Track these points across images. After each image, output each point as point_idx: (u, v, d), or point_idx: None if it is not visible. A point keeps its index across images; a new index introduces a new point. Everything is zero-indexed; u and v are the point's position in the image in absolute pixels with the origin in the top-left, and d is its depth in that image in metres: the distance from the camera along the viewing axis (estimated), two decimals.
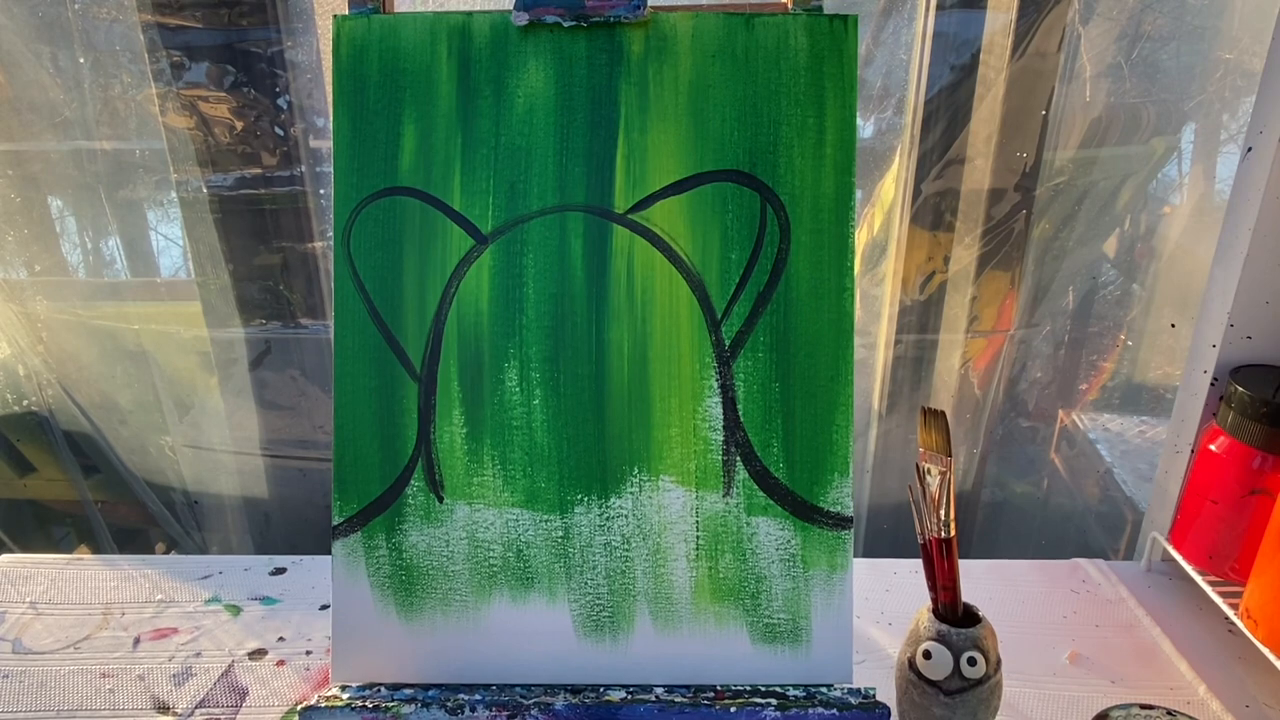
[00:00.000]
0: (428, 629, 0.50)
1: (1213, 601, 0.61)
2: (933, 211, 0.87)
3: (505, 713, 0.48)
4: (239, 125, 0.84)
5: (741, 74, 0.48)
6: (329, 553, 0.51)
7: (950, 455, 0.45)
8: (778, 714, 0.47)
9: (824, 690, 0.49)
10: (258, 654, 0.62)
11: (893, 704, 0.48)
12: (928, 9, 0.80)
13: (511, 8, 0.48)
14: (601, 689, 0.49)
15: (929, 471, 0.46)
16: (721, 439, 0.49)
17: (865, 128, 0.87)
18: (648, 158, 0.49)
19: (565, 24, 0.48)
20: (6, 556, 0.73)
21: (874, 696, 0.48)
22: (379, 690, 0.49)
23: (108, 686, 0.59)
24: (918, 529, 0.47)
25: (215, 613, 0.66)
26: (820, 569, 0.49)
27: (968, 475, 0.98)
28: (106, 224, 0.93)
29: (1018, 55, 0.80)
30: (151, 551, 1.06)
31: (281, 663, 0.61)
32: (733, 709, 0.47)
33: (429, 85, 0.49)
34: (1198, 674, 0.59)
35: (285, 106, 0.84)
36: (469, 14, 0.49)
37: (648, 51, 0.49)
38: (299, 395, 0.96)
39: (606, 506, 0.50)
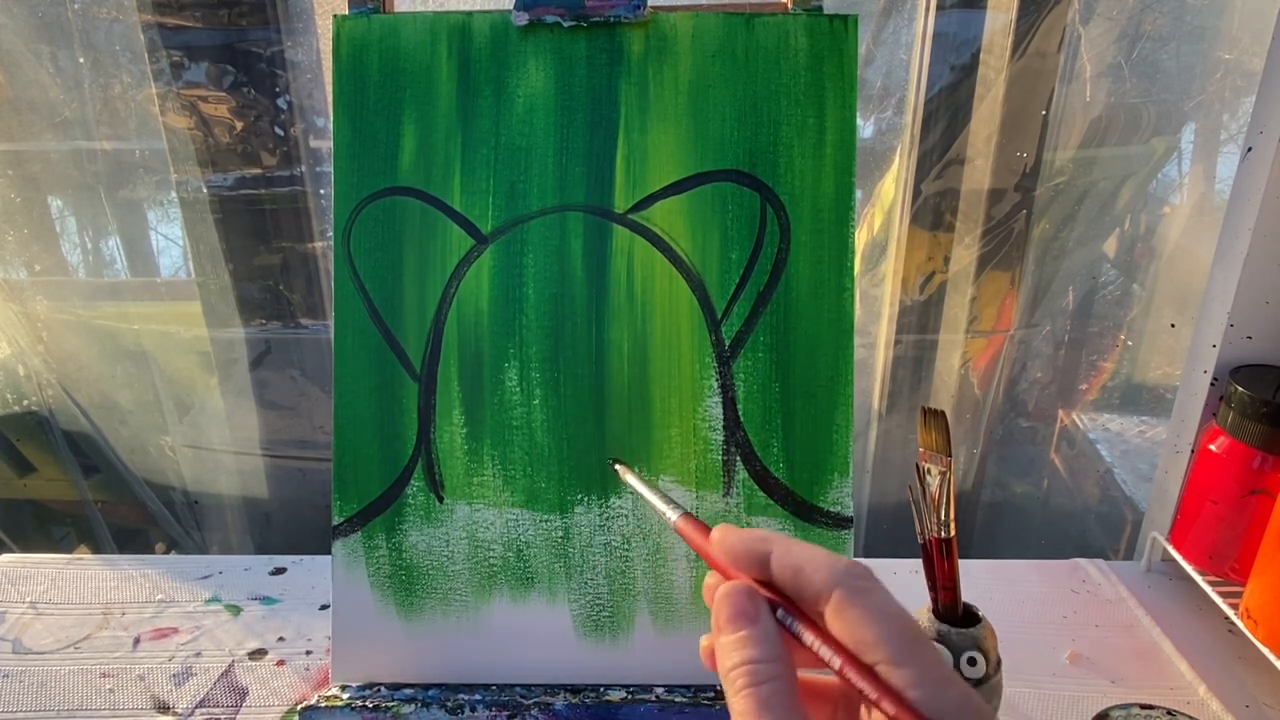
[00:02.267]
0: (428, 629, 0.50)
1: (1213, 601, 0.61)
2: (933, 211, 0.87)
3: (505, 713, 0.48)
4: (239, 125, 0.84)
5: (741, 74, 0.48)
6: (329, 553, 0.51)
7: (950, 455, 0.45)
8: None
9: None
10: (258, 654, 0.62)
11: None
12: (928, 9, 0.80)
13: (511, 8, 0.48)
14: (601, 689, 0.49)
15: (929, 471, 0.46)
16: (721, 439, 0.49)
17: (865, 128, 0.87)
18: (648, 158, 0.49)
19: (565, 24, 0.48)
20: (6, 556, 0.73)
21: None
22: (379, 690, 0.49)
23: (108, 686, 0.59)
24: (918, 529, 0.47)
25: (215, 613, 0.66)
26: None
27: (968, 475, 0.98)
28: (106, 224, 0.93)
29: (1018, 55, 0.80)
30: (151, 551, 1.06)
31: (281, 663, 0.61)
32: None
33: (429, 85, 0.49)
34: (1198, 674, 0.59)
35: (285, 106, 0.84)
36: (469, 14, 0.49)
37: (648, 51, 0.49)
38: (299, 395, 0.96)
39: (606, 506, 0.50)
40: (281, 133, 0.85)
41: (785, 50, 0.48)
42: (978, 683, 0.45)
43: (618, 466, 0.45)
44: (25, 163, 0.89)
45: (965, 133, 0.84)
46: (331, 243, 0.52)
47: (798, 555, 0.27)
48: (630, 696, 0.49)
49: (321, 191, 0.89)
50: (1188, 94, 0.83)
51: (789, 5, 0.49)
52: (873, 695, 0.24)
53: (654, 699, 0.48)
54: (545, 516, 0.50)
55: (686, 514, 0.34)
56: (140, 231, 0.95)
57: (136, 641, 0.63)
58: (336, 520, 0.50)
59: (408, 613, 0.50)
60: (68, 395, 0.96)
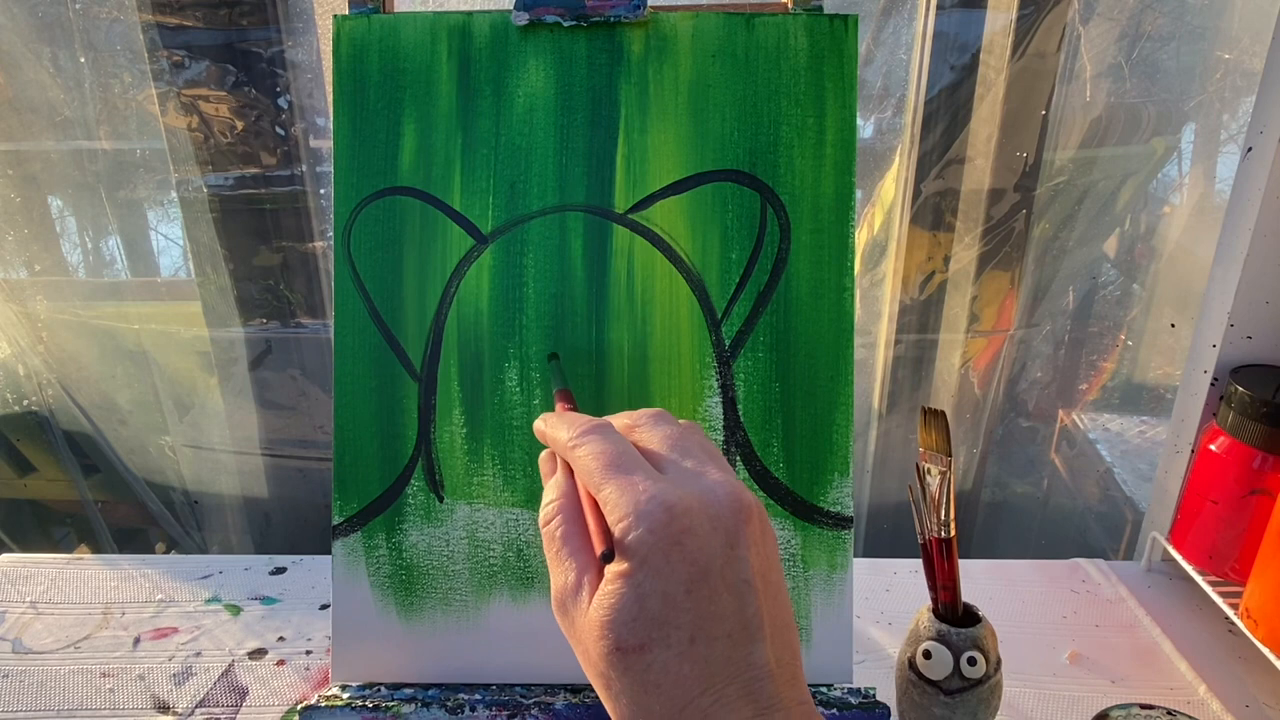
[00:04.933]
0: (428, 629, 0.50)
1: (1213, 601, 0.61)
2: (933, 211, 0.87)
3: (505, 713, 0.48)
4: (239, 125, 0.84)
5: (741, 74, 0.48)
6: (329, 553, 0.51)
7: (950, 455, 0.45)
8: None
9: (824, 690, 0.49)
10: (258, 654, 0.62)
11: (893, 704, 0.48)
12: (928, 9, 0.80)
13: (511, 8, 0.48)
14: None
15: (929, 471, 0.46)
16: (721, 439, 0.49)
17: (865, 128, 0.87)
18: (648, 158, 0.49)
19: (565, 24, 0.48)
20: (6, 556, 0.73)
21: (874, 696, 0.48)
22: (379, 690, 0.49)
23: (108, 686, 0.59)
24: (918, 529, 0.47)
25: (215, 612, 0.66)
26: (820, 569, 0.49)
27: (968, 475, 0.98)
28: (106, 224, 0.93)
29: (1018, 55, 0.80)
30: (151, 551, 1.07)
31: (281, 662, 0.61)
32: None
33: (429, 85, 0.49)
34: (1198, 674, 0.59)
35: (285, 106, 0.84)
36: (469, 14, 0.49)
37: (648, 51, 0.49)
38: (299, 395, 0.96)
39: None
40: (281, 133, 0.85)
41: (785, 50, 0.48)
42: (977, 683, 0.45)
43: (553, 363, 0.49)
44: (25, 163, 0.89)
45: (965, 133, 0.84)
46: (331, 243, 0.52)
47: (551, 430, 0.35)
48: None
49: (321, 191, 0.89)
50: (1188, 94, 0.83)
51: (789, 5, 0.49)
52: (588, 519, 0.31)
53: None
54: None
55: (561, 392, 0.43)
56: (140, 231, 0.95)
57: (136, 641, 0.63)
58: (336, 520, 0.50)
59: (408, 613, 0.50)
60: (68, 395, 0.96)
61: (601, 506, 0.31)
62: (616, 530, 0.29)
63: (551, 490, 0.34)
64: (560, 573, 0.32)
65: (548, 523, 0.33)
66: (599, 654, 0.29)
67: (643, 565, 0.28)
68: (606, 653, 0.29)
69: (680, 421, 0.35)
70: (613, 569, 0.29)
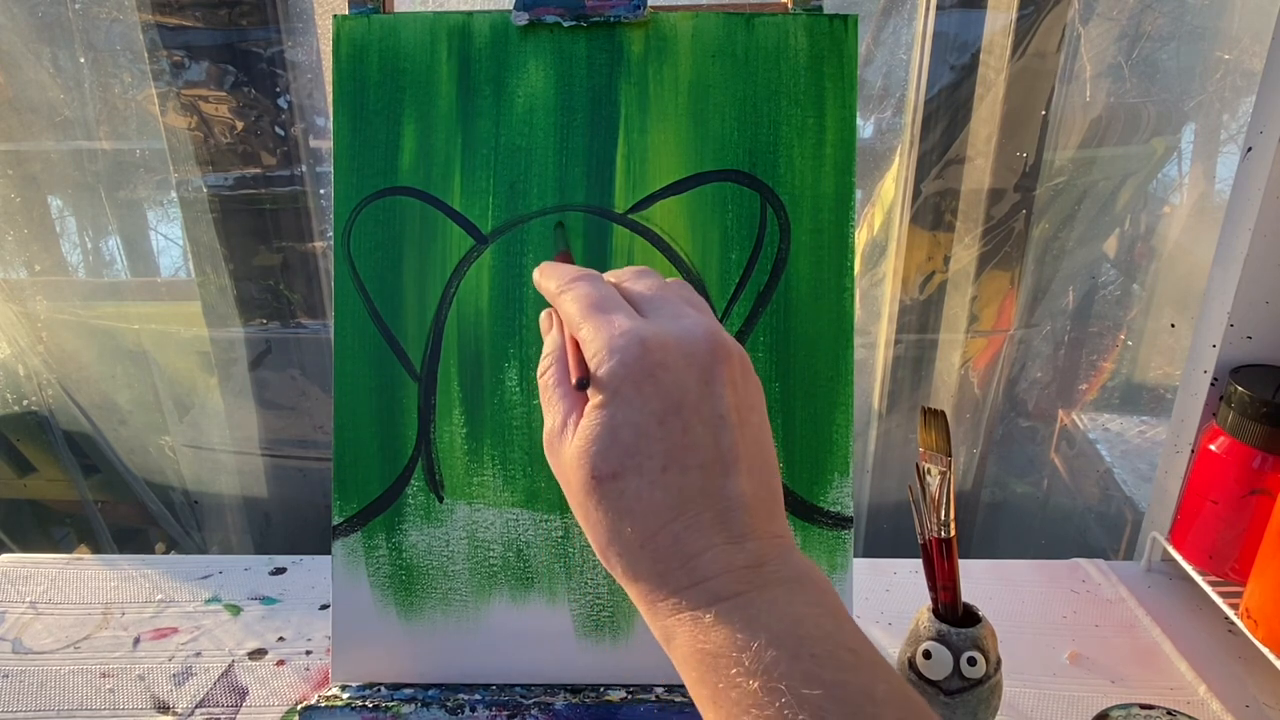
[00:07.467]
0: (428, 629, 0.50)
1: (1213, 601, 0.61)
2: (933, 211, 0.87)
3: (505, 713, 0.48)
4: (239, 125, 0.84)
5: (741, 74, 0.48)
6: (329, 553, 0.51)
7: (950, 455, 0.45)
8: None
9: None
10: (258, 654, 0.62)
11: None
12: (928, 9, 0.80)
13: (511, 8, 0.48)
14: (601, 689, 0.49)
15: (929, 471, 0.46)
16: None
17: (865, 128, 0.87)
18: (648, 158, 0.49)
19: (565, 24, 0.48)
20: (6, 556, 0.73)
21: None
22: (379, 690, 0.49)
23: (108, 686, 0.59)
24: (918, 529, 0.47)
25: (215, 612, 0.66)
26: (820, 569, 0.49)
27: (968, 475, 0.98)
28: (106, 224, 0.93)
29: (1018, 55, 0.80)
30: (151, 551, 1.06)
31: (281, 663, 0.61)
32: None
33: (429, 85, 0.49)
34: (1198, 674, 0.59)
35: (285, 106, 0.84)
36: (469, 14, 0.49)
37: (648, 51, 0.49)
38: (299, 395, 0.96)
39: None
40: (281, 133, 0.85)
41: (785, 50, 0.48)
42: (977, 683, 0.45)
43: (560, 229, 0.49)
44: (25, 163, 0.89)
45: (965, 132, 0.84)
46: (331, 243, 0.52)
47: (544, 280, 0.36)
48: (630, 696, 0.49)
49: (321, 191, 0.89)
50: (1188, 94, 0.83)
51: (789, 5, 0.49)
52: (569, 357, 0.32)
53: (654, 699, 0.48)
54: (545, 516, 0.50)
55: (562, 254, 0.45)
56: (140, 231, 0.95)
57: (136, 641, 0.63)
58: (336, 520, 0.50)
59: (408, 613, 0.50)
60: (68, 395, 0.96)
61: (581, 345, 0.32)
62: (592, 364, 0.30)
63: (546, 345, 0.35)
64: (549, 415, 0.33)
65: (542, 374, 0.34)
66: (578, 484, 0.30)
67: (615, 396, 0.30)
68: (584, 481, 0.30)
69: (667, 278, 0.36)
70: (591, 403, 0.30)
